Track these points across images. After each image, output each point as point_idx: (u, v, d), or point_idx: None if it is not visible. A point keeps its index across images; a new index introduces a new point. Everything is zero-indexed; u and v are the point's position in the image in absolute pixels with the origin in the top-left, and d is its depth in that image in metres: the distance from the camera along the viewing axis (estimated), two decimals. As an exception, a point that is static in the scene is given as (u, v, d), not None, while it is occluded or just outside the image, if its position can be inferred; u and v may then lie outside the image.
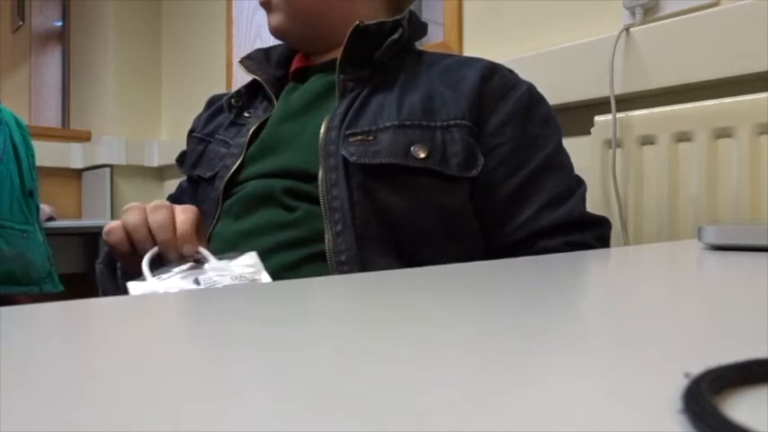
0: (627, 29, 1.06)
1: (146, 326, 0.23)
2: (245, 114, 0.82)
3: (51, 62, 3.23)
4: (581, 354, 0.18)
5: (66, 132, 2.78)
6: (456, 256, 0.66)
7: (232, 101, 0.83)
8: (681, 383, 0.14)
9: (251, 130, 0.77)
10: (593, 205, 0.99)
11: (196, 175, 0.81)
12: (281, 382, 0.15)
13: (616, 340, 0.19)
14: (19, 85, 3.55)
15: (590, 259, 0.46)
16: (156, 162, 2.55)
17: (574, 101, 1.12)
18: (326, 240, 0.65)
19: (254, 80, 0.83)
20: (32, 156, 1.66)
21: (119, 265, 0.71)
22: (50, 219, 2.10)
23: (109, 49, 2.57)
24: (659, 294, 0.29)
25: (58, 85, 3.07)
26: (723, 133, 0.89)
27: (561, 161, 0.74)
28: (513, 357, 0.17)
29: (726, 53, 0.95)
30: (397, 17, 0.77)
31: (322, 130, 0.70)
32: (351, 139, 0.68)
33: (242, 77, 2.13)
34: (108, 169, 2.53)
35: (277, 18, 0.79)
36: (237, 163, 0.75)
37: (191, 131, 0.88)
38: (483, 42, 1.38)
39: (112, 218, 2.43)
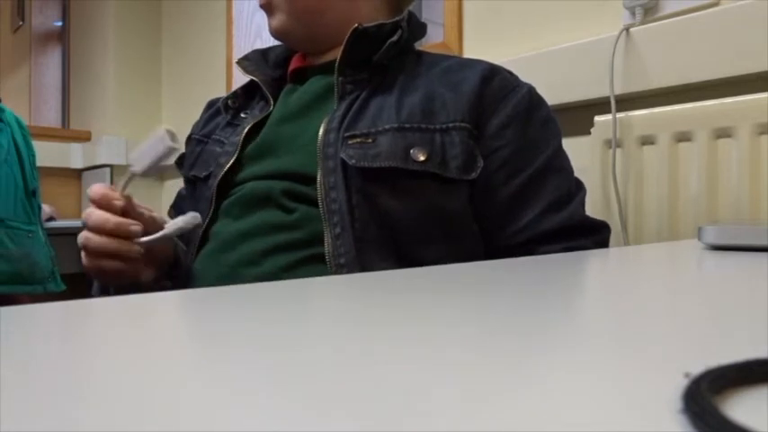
0: (627, 29, 1.06)
1: (146, 326, 0.23)
2: (242, 115, 0.82)
3: (51, 62, 3.23)
4: (581, 354, 0.18)
5: (67, 132, 2.78)
6: (456, 258, 0.66)
7: (229, 102, 0.84)
8: (681, 383, 0.14)
9: (246, 129, 0.77)
10: (593, 205, 0.99)
11: (192, 176, 0.82)
12: (282, 382, 0.15)
13: (616, 340, 0.19)
14: (19, 85, 3.55)
15: (590, 259, 0.46)
16: (155, 162, 2.55)
17: (574, 101, 1.12)
18: (326, 243, 0.65)
19: (250, 81, 0.83)
20: (33, 156, 1.66)
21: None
22: (50, 219, 2.10)
23: (109, 49, 2.57)
24: (659, 294, 0.29)
25: (58, 85, 3.07)
26: (723, 133, 0.89)
27: (561, 164, 0.74)
28: (512, 357, 0.17)
29: (726, 53, 0.95)
30: (397, 18, 0.76)
31: (320, 132, 0.70)
32: (350, 142, 0.68)
33: (242, 78, 2.13)
34: (108, 169, 2.53)
35: (278, 19, 0.78)
36: (231, 161, 0.75)
37: (189, 135, 0.88)
38: (483, 42, 1.38)
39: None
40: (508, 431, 0.12)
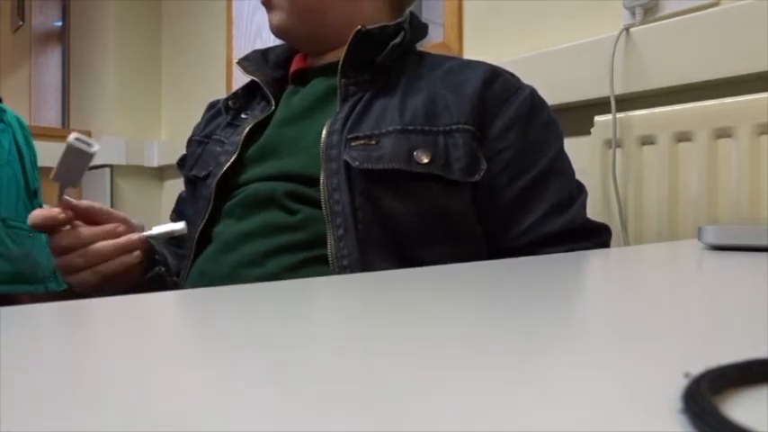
0: (627, 29, 1.06)
1: (146, 326, 0.23)
2: (243, 116, 0.82)
3: (51, 62, 3.23)
4: (581, 353, 0.18)
5: (67, 132, 2.77)
6: (458, 260, 0.66)
7: (229, 102, 0.84)
8: (681, 383, 0.14)
9: (246, 129, 0.77)
10: (593, 206, 0.98)
11: (193, 176, 0.82)
12: (282, 382, 0.15)
13: (616, 340, 0.19)
14: (19, 85, 3.55)
15: (590, 259, 0.46)
16: (155, 162, 2.55)
17: (574, 101, 1.12)
18: (329, 245, 0.66)
19: (251, 82, 0.83)
20: (35, 156, 1.66)
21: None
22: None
23: (109, 49, 2.57)
24: (659, 294, 0.29)
25: (58, 85, 3.07)
26: (723, 133, 0.89)
27: (563, 166, 0.74)
28: (512, 358, 0.17)
29: (726, 53, 0.95)
30: (399, 20, 0.76)
31: (323, 134, 0.70)
32: (353, 144, 0.68)
33: (242, 78, 2.12)
34: (108, 169, 2.53)
35: (278, 17, 0.78)
36: (232, 160, 0.75)
37: (190, 138, 0.88)
38: (483, 42, 1.38)
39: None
40: (508, 431, 0.12)
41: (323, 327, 0.22)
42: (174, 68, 2.58)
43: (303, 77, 0.81)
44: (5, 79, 3.80)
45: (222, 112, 0.85)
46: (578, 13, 1.20)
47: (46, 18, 3.36)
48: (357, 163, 0.67)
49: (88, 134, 2.71)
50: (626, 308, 0.25)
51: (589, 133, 1.04)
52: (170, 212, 0.94)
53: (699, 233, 0.49)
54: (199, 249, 0.74)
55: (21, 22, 3.58)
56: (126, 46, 2.58)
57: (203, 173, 0.79)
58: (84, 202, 0.69)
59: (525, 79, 0.78)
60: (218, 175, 0.75)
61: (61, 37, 3.06)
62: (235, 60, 2.22)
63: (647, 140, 0.97)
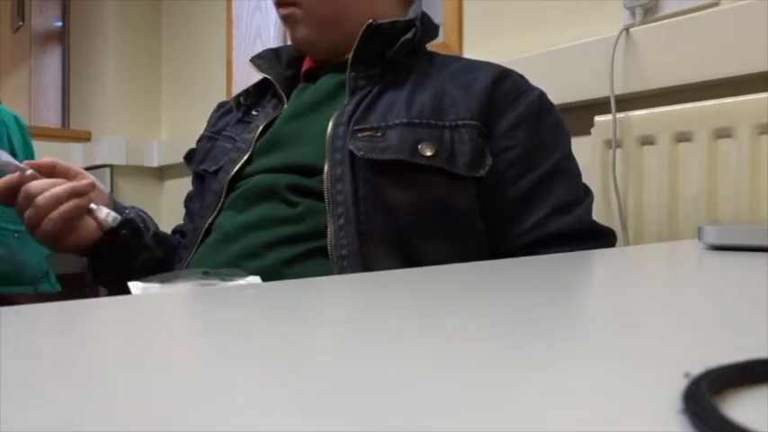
0: (627, 29, 1.06)
1: (145, 326, 0.23)
2: (253, 113, 0.83)
3: (51, 62, 3.23)
4: (581, 353, 0.18)
5: (66, 132, 2.78)
6: (458, 257, 0.67)
7: (240, 99, 0.85)
8: (681, 383, 0.14)
9: (260, 127, 0.77)
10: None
11: (202, 170, 0.83)
12: (282, 383, 0.15)
13: (616, 340, 0.19)
14: (19, 85, 3.55)
15: (590, 259, 0.46)
16: (155, 162, 2.55)
17: (574, 101, 1.12)
18: (328, 234, 0.66)
19: (262, 79, 0.84)
20: (32, 156, 1.66)
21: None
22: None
23: (109, 49, 2.57)
24: (659, 294, 0.29)
25: (58, 85, 3.07)
26: (723, 133, 0.89)
27: (570, 168, 0.74)
28: (512, 357, 0.17)
29: (726, 53, 0.95)
30: (411, 17, 0.77)
31: (330, 125, 0.71)
32: (359, 135, 0.69)
33: (242, 78, 2.13)
34: (108, 169, 2.53)
35: (301, 31, 0.79)
36: (245, 158, 0.75)
37: (201, 135, 0.89)
38: (483, 43, 1.38)
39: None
40: (509, 431, 0.12)
41: (323, 327, 0.22)
42: (174, 68, 2.58)
43: (314, 75, 0.82)
44: (5, 79, 3.80)
45: (233, 109, 0.85)
46: (578, 13, 1.20)
47: (46, 18, 3.36)
48: (362, 153, 0.67)
49: (88, 134, 2.72)
50: (626, 308, 0.25)
51: (589, 133, 1.04)
52: (170, 212, 0.94)
53: (699, 233, 0.49)
54: (203, 242, 0.74)
55: (21, 22, 3.58)
56: (126, 46, 2.58)
57: (213, 167, 0.80)
58: (47, 159, 0.72)
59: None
60: (231, 173, 0.75)
61: (61, 37, 3.06)
62: (235, 60, 2.23)
63: (647, 140, 0.97)
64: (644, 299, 0.27)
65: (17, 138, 1.58)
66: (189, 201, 0.91)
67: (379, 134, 0.69)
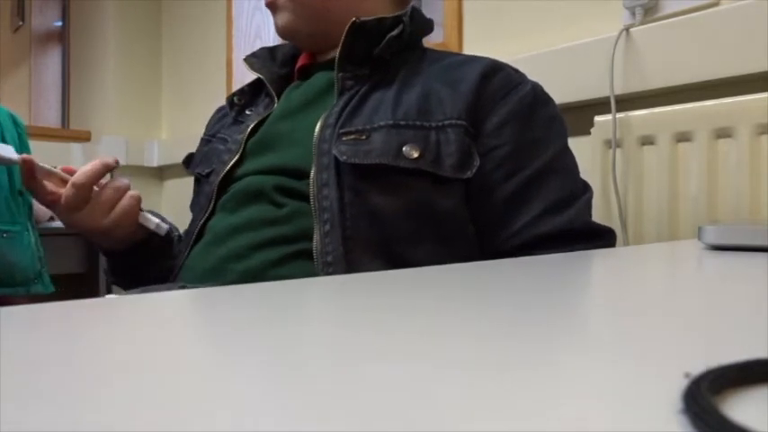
0: (627, 29, 1.06)
1: (144, 326, 0.23)
2: (247, 112, 0.82)
3: (51, 62, 3.23)
4: (580, 353, 0.18)
5: (66, 132, 2.78)
6: (448, 261, 0.65)
7: (234, 99, 0.84)
8: (681, 383, 0.14)
9: (249, 127, 0.77)
10: (593, 206, 0.98)
11: (197, 173, 0.83)
12: (281, 383, 0.15)
13: (616, 340, 0.19)
14: (19, 85, 3.55)
15: (590, 259, 0.46)
16: (155, 162, 2.55)
17: (574, 101, 1.12)
18: (314, 240, 0.65)
19: (257, 79, 0.83)
20: (28, 154, 1.64)
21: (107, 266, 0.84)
22: (51, 219, 2.10)
23: (109, 49, 2.57)
24: (659, 294, 0.29)
25: (58, 85, 3.07)
26: (723, 133, 0.89)
27: (565, 164, 0.71)
28: (512, 358, 0.17)
29: (726, 53, 0.95)
30: (398, 13, 0.75)
31: (317, 127, 0.69)
32: (344, 138, 0.67)
33: (242, 77, 2.13)
34: (108, 169, 2.53)
35: (284, 18, 0.78)
36: (234, 159, 0.75)
37: (201, 138, 0.90)
38: (483, 43, 1.38)
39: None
40: (508, 431, 0.12)
41: (322, 327, 0.22)
42: (174, 68, 2.58)
43: (307, 73, 0.81)
44: (5, 79, 3.80)
45: (228, 110, 0.85)
46: (578, 13, 1.20)
47: (46, 18, 3.36)
48: (345, 158, 0.66)
49: (88, 134, 2.72)
50: (626, 308, 0.25)
51: (589, 133, 1.04)
52: (170, 212, 0.95)
53: (699, 233, 0.49)
54: (196, 244, 0.74)
55: (21, 22, 3.58)
56: (126, 46, 2.58)
57: (206, 170, 0.80)
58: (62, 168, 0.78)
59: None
60: (221, 174, 0.75)
61: (61, 37, 3.06)
62: (235, 60, 2.23)
63: (647, 140, 0.97)
64: (644, 299, 0.27)
65: (12, 135, 1.56)
66: (191, 205, 0.91)
67: (364, 137, 0.67)
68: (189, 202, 0.87)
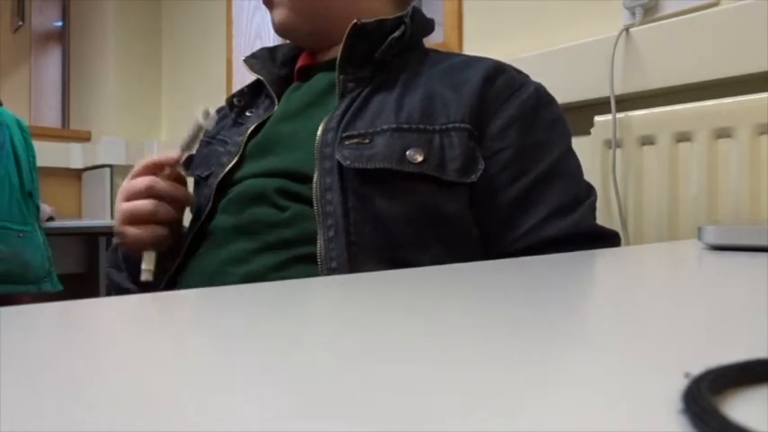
0: (627, 29, 1.06)
1: (144, 326, 0.23)
2: (247, 114, 0.81)
3: (51, 62, 3.23)
4: (581, 353, 0.18)
5: (66, 132, 2.78)
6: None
7: (234, 100, 0.83)
8: (681, 383, 0.14)
9: (249, 129, 0.76)
10: (593, 205, 0.99)
11: (197, 175, 0.82)
12: (281, 383, 0.15)
13: (616, 340, 0.19)
14: (19, 85, 3.55)
15: (590, 259, 0.46)
16: (155, 162, 2.55)
17: (574, 101, 1.12)
18: (318, 245, 0.64)
19: (256, 80, 0.82)
20: (33, 157, 1.67)
21: (123, 264, 0.78)
22: (50, 219, 2.11)
23: (109, 49, 2.58)
24: (659, 294, 0.29)
25: (58, 85, 3.07)
26: (723, 133, 0.89)
27: (569, 167, 0.70)
28: (512, 358, 0.17)
29: (726, 53, 0.95)
30: (400, 14, 0.75)
31: (319, 131, 0.69)
32: (346, 142, 0.67)
33: (242, 78, 2.13)
34: (108, 169, 2.53)
35: (280, 14, 0.77)
36: (234, 161, 0.74)
37: (202, 139, 0.89)
38: (483, 43, 1.38)
39: (112, 218, 2.42)
40: (508, 430, 0.12)
41: (322, 327, 0.22)
42: (174, 69, 2.58)
43: (307, 74, 0.80)
44: (5, 79, 3.80)
45: (228, 111, 0.84)
46: (578, 13, 1.20)
47: (46, 18, 3.36)
48: (348, 162, 0.65)
49: (88, 134, 2.72)
50: (626, 308, 0.25)
51: (589, 133, 1.04)
52: None
53: (699, 233, 0.49)
54: (192, 247, 0.73)
55: (21, 22, 3.58)
56: (126, 46, 2.58)
57: (206, 173, 0.79)
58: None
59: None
60: (220, 176, 0.74)
61: (61, 37, 3.07)
62: (235, 60, 2.23)
63: (647, 140, 0.97)
64: (644, 299, 0.27)
65: (19, 140, 1.60)
66: (190, 207, 0.91)
67: (367, 141, 0.66)
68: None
